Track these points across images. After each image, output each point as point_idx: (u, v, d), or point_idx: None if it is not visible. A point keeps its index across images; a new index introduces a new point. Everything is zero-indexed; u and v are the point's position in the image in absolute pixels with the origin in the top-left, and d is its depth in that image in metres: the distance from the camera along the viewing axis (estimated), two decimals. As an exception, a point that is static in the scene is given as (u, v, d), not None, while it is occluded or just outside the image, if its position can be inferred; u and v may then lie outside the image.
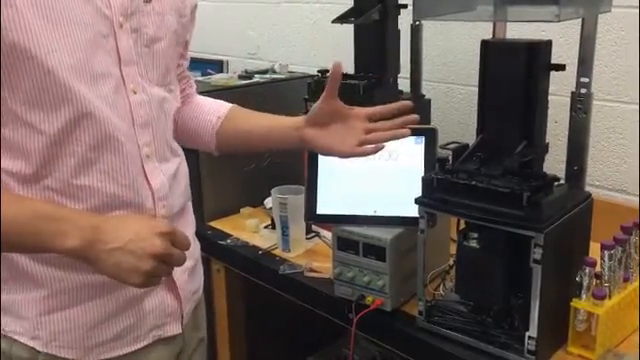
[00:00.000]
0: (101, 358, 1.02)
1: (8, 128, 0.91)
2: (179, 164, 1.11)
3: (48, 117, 0.90)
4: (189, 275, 1.12)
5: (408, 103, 1.12)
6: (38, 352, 0.99)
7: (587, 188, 1.18)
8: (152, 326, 1.06)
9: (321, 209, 1.32)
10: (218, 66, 2.43)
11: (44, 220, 0.88)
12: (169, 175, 1.06)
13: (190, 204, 1.18)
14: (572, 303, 1.07)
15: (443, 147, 1.18)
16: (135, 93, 0.98)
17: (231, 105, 1.25)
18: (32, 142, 0.91)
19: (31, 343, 0.98)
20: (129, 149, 0.98)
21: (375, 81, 1.57)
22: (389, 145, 1.29)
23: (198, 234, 1.70)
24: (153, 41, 1.01)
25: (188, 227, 1.15)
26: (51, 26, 0.88)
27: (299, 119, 1.15)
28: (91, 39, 0.92)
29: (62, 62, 0.89)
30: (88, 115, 0.92)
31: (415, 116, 1.11)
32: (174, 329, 1.09)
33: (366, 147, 1.10)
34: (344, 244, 1.25)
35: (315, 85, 1.63)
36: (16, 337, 0.99)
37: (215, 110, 1.23)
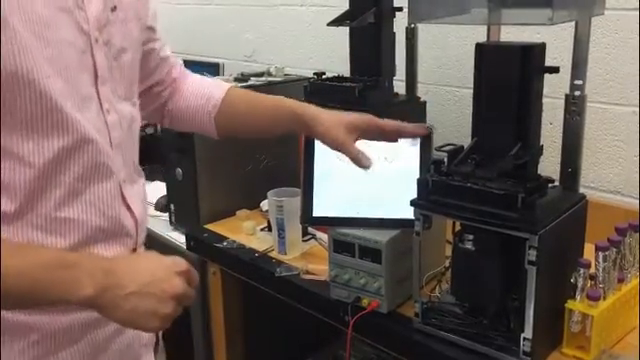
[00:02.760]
0: None
1: None
2: (144, 184, 1.06)
3: (39, 147, 0.84)
4: None
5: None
6: None
7: (582, 190, 1.18)
8: (133, 358, 1.04)
9: (317, 211, 1.32)
10: (214, 69, 2.43)
11: (54, 269, 0.80)
12: (141, 197, 1.03)
13: None
14: (567, 304, 1.08)
15: (438, 149, 1.19)
16: (109, 113, 0.93)
17: (227, 87, 1.22)
18: (18, 176, 0.84)
19: None
20: (114, 175, 0.94)
21: (371, 84, 1.57)
22: (384, 147, 1.30)
23: (195, 236, 1.71)
24: (120, 53, 0.96)
25: None
26: (44, 46, 0.82)
27: (303, 105, 1.18)
28: (76, 58, 0.87)
29: (57, 86, 0.83)
30: (82, 142, 0.87)
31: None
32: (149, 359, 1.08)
33: None
34: (340, 246, 1.25)
35: (311, 88, 1.63)
36: None
37: (209, 95, 1.20)
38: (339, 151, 1.14)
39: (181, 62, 1.25)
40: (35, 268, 0.79)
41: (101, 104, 0.92)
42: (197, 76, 1.27)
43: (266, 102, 1.21)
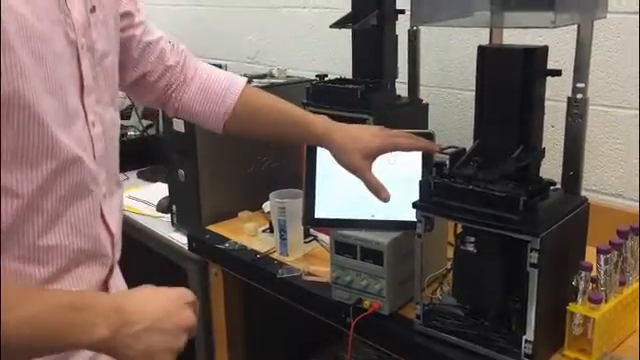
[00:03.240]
0: None
1: None
2: (121, 196, 1.01)
3: (27, 176, 0.79)
4: None
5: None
6: None
7: (584, 193, 1.18)
8: None
9: (319, 213, 1.32)
10: (216, 70, 2.43)
11: (65, 312, 0.74)
12: (118, 208, 0.97)
13: None
14: (568, 307, 1.08)
15: (440, 151, 1.19)
16: (94, 126, 0.89)
17: (241, 86, 1.17)
18: (3, 208, 0.78)
19: None
20: (95, 193, 0.89)
21: (373, 86, 1.57)
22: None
23: (197, 238, 1.71)
24: (103, 57, 0.90)
25: None
26: (40, 65, 0.77)
27: (317, 122, 1.17)
28: (66, 72, 0.82)
29: (48, 106, 0.78)
30: (68, 163, 0.83)
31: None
32: None
33: None
34: (342, 248, 1.25)
35: (313, 90, 1.63)
36: None
37: (223, 95, 1.15)
38: (355, 175, 1.15)
39: (179, 44, 1.16)
40: (43, 313, 0.72)
41: (87, 117, 0.87)
42: (207, 68, 1.20)
43: (283, 113, 1.19)
